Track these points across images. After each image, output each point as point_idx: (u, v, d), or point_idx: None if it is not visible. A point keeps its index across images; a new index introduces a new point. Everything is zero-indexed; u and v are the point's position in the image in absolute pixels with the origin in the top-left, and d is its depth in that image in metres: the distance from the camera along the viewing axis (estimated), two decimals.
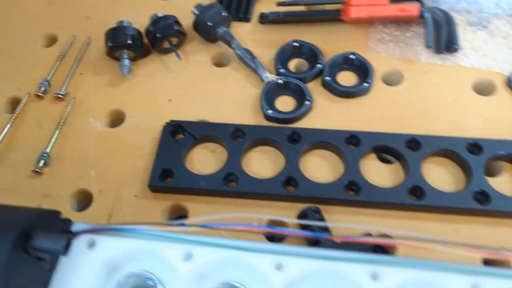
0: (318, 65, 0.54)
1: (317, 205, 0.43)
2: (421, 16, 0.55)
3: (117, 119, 0.54)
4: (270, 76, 0.54)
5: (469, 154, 0.46)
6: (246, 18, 0.61)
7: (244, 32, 0.60)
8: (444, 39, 0.54)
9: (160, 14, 0.57)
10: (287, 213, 0.44)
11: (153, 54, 0.59)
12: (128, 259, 0.32)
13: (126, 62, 0.55)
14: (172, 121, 0.50)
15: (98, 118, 0.54)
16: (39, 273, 0.29)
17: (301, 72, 0.55)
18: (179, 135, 0.50)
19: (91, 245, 0.32)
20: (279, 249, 0.31)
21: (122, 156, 0.50)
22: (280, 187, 0.45)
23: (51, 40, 0.62)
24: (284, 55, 0.56)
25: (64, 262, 0.31)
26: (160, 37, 0.56)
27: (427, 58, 0.55)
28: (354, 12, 0.54)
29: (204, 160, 0.49)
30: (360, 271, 0.30)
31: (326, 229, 0.39)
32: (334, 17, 0.57)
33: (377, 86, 0.53)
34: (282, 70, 0.54)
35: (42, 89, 0.55)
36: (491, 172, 0.47)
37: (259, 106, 0.52)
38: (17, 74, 0.59)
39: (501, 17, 0.57)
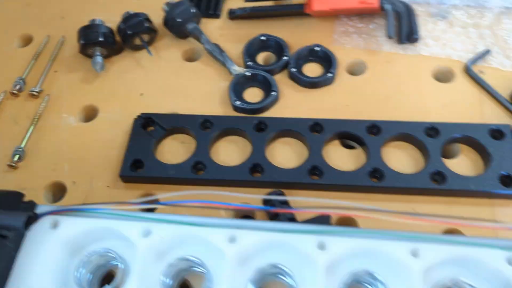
0: (284, 57, 0.56)
1: (282, 190, 0.45)
2: (383, 8, 0.57)
3: (90, 114, 0.56)
4: (238, 69, 0.56)
5: (427, 137, 0.48)
6: (216, 15, 0.63)
7: (214, 28, 0.62)
8: (405, 29, 0.57)
9: (131, 12, 0.59)
10: (253, 199, 0.46)
11: (126, 51, 0.61)
12: (90, 238, 0.33)
13: (99, 59, 0.57)
14: (142, 114, 0.52)
15: (71, 113, 0.55)
16: (2, 251, 0.30)
17: (268, 64, 0.57)
18: (150, 127, 0.52)
19: (55, 225, 0.33)
20: (233, 223, 0.32)
21: (95, 149, 0.52)
22: (247, 174, 0.47)
23: (27, 40, 0.64)
24: (252, 49, 0.58)
25: (28, 242, 0.32)
26: (131, 33, 0.57)
27: (389, 48, 0.57)
28: (317, 6, 0.56)
29: (174, 150, 0.51)
30: (308, 241, 0.31)
31: (285, 203, 0.41)
32: (299, 11, 0.59)
33: (342, 76, 0.55)
34: (250, 63, 0.56)
35: (17, 87, 0.57)
36: (449, 154, 0.49)
37: (228, 98, 0.54)
38: None
39: (460, 7, 0.59)
